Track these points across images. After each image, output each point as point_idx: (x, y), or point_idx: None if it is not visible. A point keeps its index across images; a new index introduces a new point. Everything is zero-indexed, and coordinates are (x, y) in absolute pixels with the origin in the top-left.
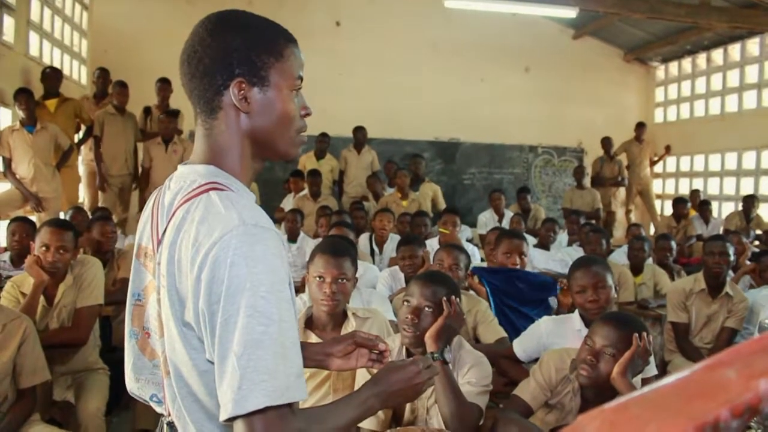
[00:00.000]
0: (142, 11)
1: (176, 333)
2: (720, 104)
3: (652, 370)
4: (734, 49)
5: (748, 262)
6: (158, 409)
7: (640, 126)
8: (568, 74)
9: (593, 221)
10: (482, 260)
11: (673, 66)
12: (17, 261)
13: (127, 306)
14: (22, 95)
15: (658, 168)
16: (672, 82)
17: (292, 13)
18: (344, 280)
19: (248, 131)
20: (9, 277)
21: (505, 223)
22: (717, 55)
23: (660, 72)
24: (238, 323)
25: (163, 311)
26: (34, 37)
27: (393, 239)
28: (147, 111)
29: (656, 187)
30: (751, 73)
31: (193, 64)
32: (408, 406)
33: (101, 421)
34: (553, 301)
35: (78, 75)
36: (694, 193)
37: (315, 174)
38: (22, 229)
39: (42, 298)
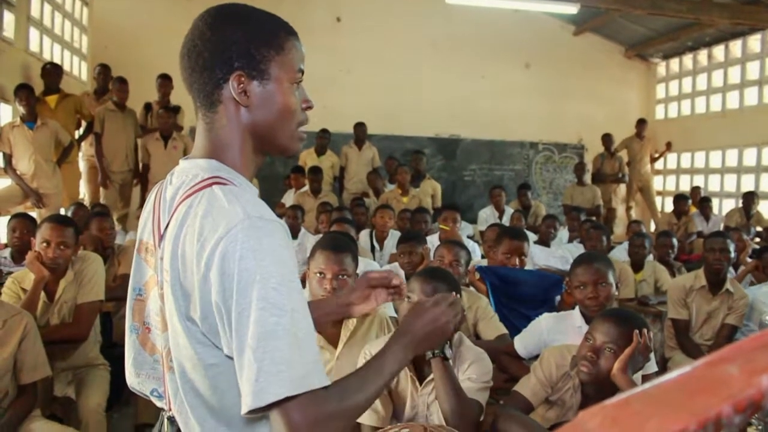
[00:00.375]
0: (142, 7)
1: (180, 328)
2: (721, 101)
3: (652, 366)
4: (735, 46)
5: (748, 259)
6: (159, 404)
7: (641, 122)
8: (568, 70)
9: (594, 218)
10: (482, 257)
11: (674, 62)
12: (18, 257)
13: (127, 301)
14: (23, 91)
15: (658, 165)
16: (673, 78)
17: (293, 9)
18: (345, 276)
19: (248, 125)
20: (10, 273)
21: (506, 220)
22: (718, 51)
23: (661, 68)
24: (251, 316)
25: (166, 306)
26: (34, 33)
27: (393, 235)
28: (148, 107)
29: (657, 183)
30: (753, 70)
31: (192, 57)
32: (408, 402)
33: (102, 417)
34: (556, 300)
35: (78, 71)
36: (695, 189)
37: (316, 170)
38: (23, 226)
39: (43, 294)
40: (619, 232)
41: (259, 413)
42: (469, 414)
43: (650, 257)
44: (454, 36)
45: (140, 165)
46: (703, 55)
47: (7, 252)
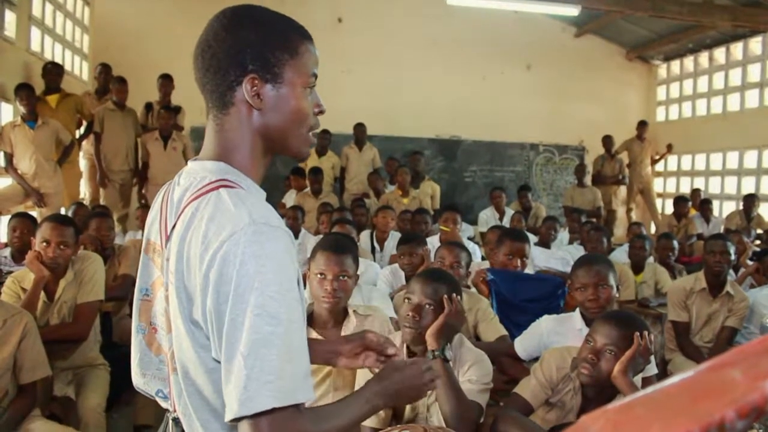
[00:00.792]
0: (144, 7)
1: (184, 330)
2: (722, 103)
3: (652, 369)
4: (737, 48)
5: (749, 262)
6: (164, 405)
7: (642, 124)
8: (569, 72)
9: (594, 219)
10: (483, 258)
11: (675, 64)
12: (18, 257)
13: (134, 301)
14: (24, 91)
15: (659, 167)
16: (674, 80)
17: (294, 9)
18: (345, 278)
19: (260, 128)
20: (10, 272)
21: (506, 221)
22: (719, 53)
23: (662, 70)
24: (246, 323)
25: (171, 308)
26: (35, 33)
27: (394, 236)
28: (148, 107)
29: (657, 185)
30: (754, 72)
31: (206, 58)
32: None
33: (101, 417)
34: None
35: (79, 71)
36: (695, 192)
37: (316, 171)
38: (23, 225)
39: (42, 294)
40: (620, 234)
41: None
42: (469, 416)
43: (650, 259)
44: (455, 37)
45: (140, 164)
46: (704, 57)
47: (7, 251)
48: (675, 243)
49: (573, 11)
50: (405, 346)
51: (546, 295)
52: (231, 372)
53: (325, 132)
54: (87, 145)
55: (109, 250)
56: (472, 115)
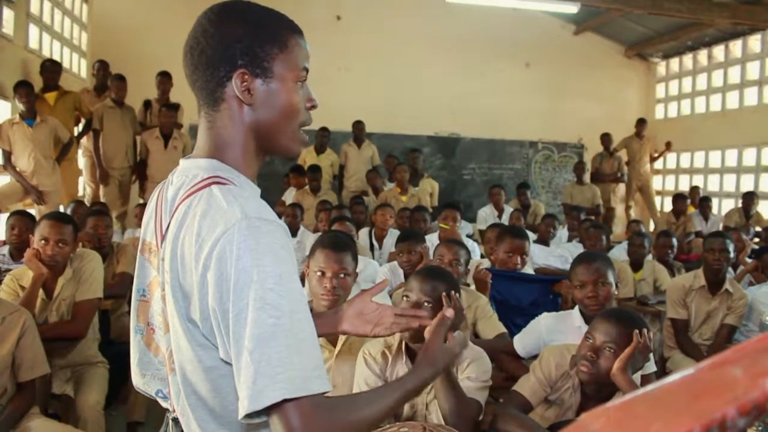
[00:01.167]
0: (142, 4)
1: (181, 330)
2: (721, 101)
3: (651, 366)
4: (735, 46)
5: (747, 259)
6: (164, 405)
7: (641, 122)
8: (568, 70)
9: (593, 217)
10: (482, 256)
11: (674, 62)
12: (16, 254)
13: (132, 302)
14: (23, 88)
15: (658, 164)
16: (673, 78)
17: (293, 6)
18: (345, 275)
19: (251, 123)
20: (8, 270)
21: (505, 219)
22: (718, 51)
23: (661, 68)
24: (248, 317)
25: (167, 308)
26: (33, 30)
27: (393, 234)
28: (147, 104)
29: (656, 183)
30: (753, 70)
31: (195, 54)
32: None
33: (100, 415)
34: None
35: (78, 68)
36: (694, 189)
37: (315, 169)
38: (22, 223)
39: (41, 292)
40: (618, 232)
41: (258, 418)
42: (468, 413)
43: (649, 257)
44: (454, 35)
45: (138, 161)
46: (703, 54)
47: (5, 249)
48: (674, 241)
49: (572, 9)
50: (404, 343)
51: (540, 298)
52: (240, 369)
53: (324, 129)
54: (86, 142)
55: (107, 248)
56: (471, 113)
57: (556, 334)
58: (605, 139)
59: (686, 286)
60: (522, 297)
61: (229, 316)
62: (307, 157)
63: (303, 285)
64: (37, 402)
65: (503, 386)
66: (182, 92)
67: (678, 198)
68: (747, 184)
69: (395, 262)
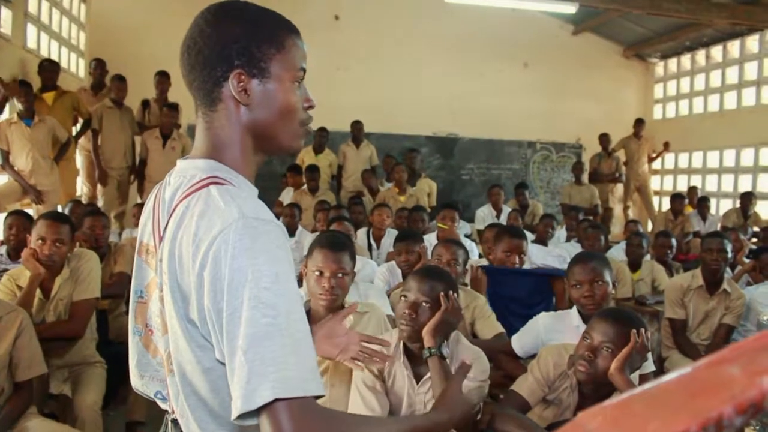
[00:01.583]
0: (140, 4)
1: (180, 330)
2: (719, 101)
3: (649, 366)
4: (733, 46)
5: (745, 260)
6: (163, 406)
7: (639, 122)
8: (567, 70)
9: (591, 217)
10: (480, 256)
11: (672, 62)
12: (14, 254)
13: (130, 303)
14: (22, 88)
15: (656, 165)
16: (671, 78)
17: (291, 6)
18: (343, 275)
19: (248, 124)
20: (5, 270)
21: (503, 219)
22: (716, 51)
23: (659, 68)
24: (243, 317)
25: (166, 308)
26: (31, 30)
27: (391, 234)
28: (145, 104)
29: (654, 183)
30: (750, 70)
31: (192, 54)
32: (405, 400)
33: (98, 415)
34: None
35: (76, 68)
36: (692, 189)
37: (313, 169)
38: (19, 223)
39: (38, 291)
40: (617, 232)
41: (251, 420)
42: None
43: (647, 257)
44: (452, 35)
45: (137, 161)
46: (701, 55)
47: (2, 249)
48: (673, 241)
49: (570, 9)
50: (402, 343)
51: (537, 290)
52: (233, 369)
53: (323, 129)
54: (84, 141)
55: (104, 247)
56: (470, 113)
57: (554, 334)
58: (603, 139)
59: (684, 286)
60: (519, 290)
61: (223, 316)
62: (306, 157)
63: (300, 285)
64: (34, 402)
65: (501, 383)
66: (180, 92)
67: (675, 198)
68: (745, 184)
69: (393, 262)
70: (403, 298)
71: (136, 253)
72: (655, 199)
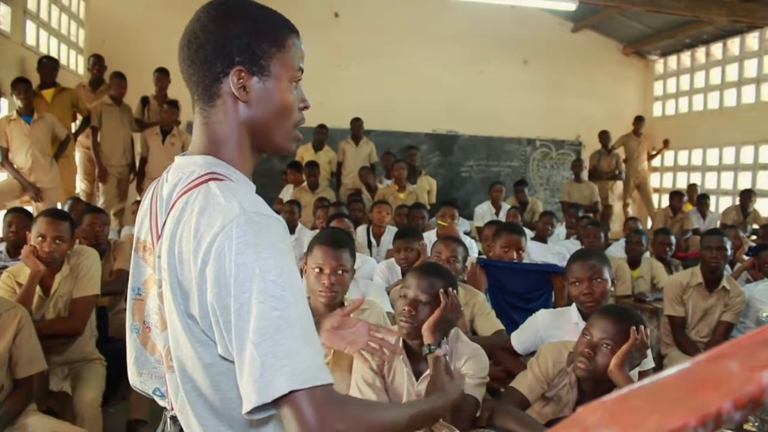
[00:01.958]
0: (139, 0)
1: (180, 326)
2: (718, 98)
3: (649, 363)
4: (733, 44)
5: (745, 257)
6: (161, 403)
7: (639, 120)
8: (566, 67)
9: (591, 215)
10: (480, 253)
11: (672, 60)
12: (13, 251)
13: (128, 300)
14: (21, 85)
15: (656, 162)
16: (671, 75)
17: (291, 3)
18: (343, 272)
19: (246, 121)
20: (5, 267)
21: (502, 216)
22: (716, 49)
23: (659, 66)
24: (252, 311)
25: (165, 304)
26: (30, 27)
27: (390, 231)
28: (144, 101)
29: (654, 181)
30: (750, 68)
31: (192, 49)
32: (404, 397)
33: (97, 412)
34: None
35: (75, 65)
36: (692, 187)
37: (313, 165)
38: (19, 220)
39: (38, 289)
40: (616, 229)
41: (263, 412)
42: (466, 410)
43: (647, 254)
44: (451, 32)
45: (138, 158)
46: (700, 52)
47: (2, 246)
48: (672, 238)
49: (570, 6)
50: (401, 340)
51: (535, 286)
52: (244, 363)
53: (322, 127)
54: (83, 138)
55: (104, 244)
56: (469, 110)
57: (553, 331)
58: (603, 136)
59: (683, 283)
60: (518, 284)
61: (230, 311)
62: (305, 154)
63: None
64: (34, 399)
65: (501, 380)
66: (180, 89)
67: (674, 195)
68: (744, 181)
69: (393, 259)
70: (402, 296)
71: (133, 250)
72: (655, 197)
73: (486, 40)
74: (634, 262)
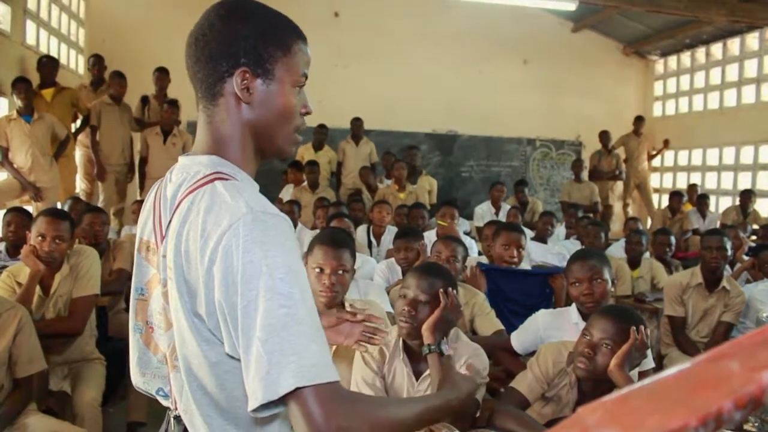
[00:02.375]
0: (139, 0)
1: (186, 325)
2: (718, 99)
3: (649, 363)
4: (733, 44)
5: (745, 257)
6: (165, 403)
7: (639, 120)
8: (566, 67)
9: (591, 215)
10: (479, 253)
11: (672, 60)
12: (13, 251)
13: (131, 301)
14: (21, 84)
15: (656, 162)
16: (671, 76)
17: (291, 3)
18: (343, 272)
19: (248, 122)
20: (4, 266)
21: (502, 216)
22: (716, 49)
23: (659, 66)
24: (259, 308)
25: (171, 304)
26: (30, 26)
27: (390, 231)
28: (144, 100)
29: (654, 181)
30: (750, 68)
31: (199, 46)
32: (405, 397)
33: (97, 411)
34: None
35: (75, 64)
36: (692, 187)
37: (313, 163)
38: (18, 220)
39: (38, 288)
40: (616, 229)
41: (268, 410)
42: (466, 410)
43: (647, 254)
44: (451, 32)
45: (138, 158)
46: (701, 52)
47: (2, 246)
48: (672, 239)
49: (570, 6)
50: (401, 340)
51: (535, 291)
52: (250, 360)
53: (322, 126)
54: (82, 137)
55: (103, 244)
56: (469, 110)
57: (553, 331)
58: (603, 136)
59: (683, 283)
60: (518, 292)
61: (237, 309)
62: (305, 154)
63: None
64: (34, 398)
65: (500, 377)
66: (180, 89)
67: (674, 195)
68: (744, 181)
69: (393, 259)
70: (402, 296)
71: (136, 250)
72: (655, 197)
73: (486, 39)
74: (634, 262)
